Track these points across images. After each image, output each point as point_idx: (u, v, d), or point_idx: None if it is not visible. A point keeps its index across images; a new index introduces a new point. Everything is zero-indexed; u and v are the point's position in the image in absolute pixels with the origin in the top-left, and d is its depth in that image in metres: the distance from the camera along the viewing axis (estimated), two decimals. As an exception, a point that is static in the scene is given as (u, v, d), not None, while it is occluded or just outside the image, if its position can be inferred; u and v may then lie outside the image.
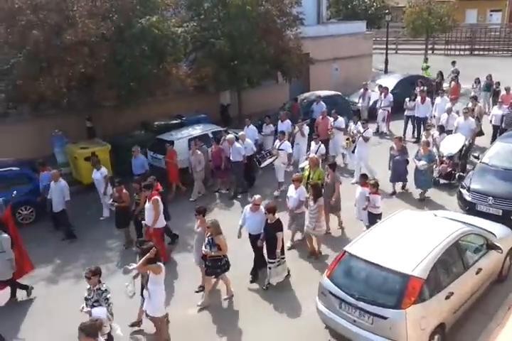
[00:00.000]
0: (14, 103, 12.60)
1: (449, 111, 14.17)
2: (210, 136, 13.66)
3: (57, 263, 10.04)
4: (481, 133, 14.55)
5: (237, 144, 12.36)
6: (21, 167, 11.83)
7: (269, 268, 8.49)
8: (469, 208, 10.31)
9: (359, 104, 17.79)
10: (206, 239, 7.90)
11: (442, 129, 13.26)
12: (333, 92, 18.11)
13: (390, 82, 19.70)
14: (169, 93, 14.53)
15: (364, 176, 10.01)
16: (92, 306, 6.32)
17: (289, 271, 8.79)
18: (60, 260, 10.12)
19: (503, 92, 16.62)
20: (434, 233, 7.32)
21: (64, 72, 11.76)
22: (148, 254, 6.66)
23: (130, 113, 14.65)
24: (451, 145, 12.36)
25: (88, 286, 6.47)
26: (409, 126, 16.33)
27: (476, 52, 31.85)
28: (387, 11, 29.56)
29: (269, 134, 14.38)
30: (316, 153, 11.68)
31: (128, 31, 12.65)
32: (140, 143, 12.78)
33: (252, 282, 8.84)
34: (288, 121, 14.18)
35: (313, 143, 12.47)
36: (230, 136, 12.74)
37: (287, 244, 9.65)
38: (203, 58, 15.79)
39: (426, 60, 23.83)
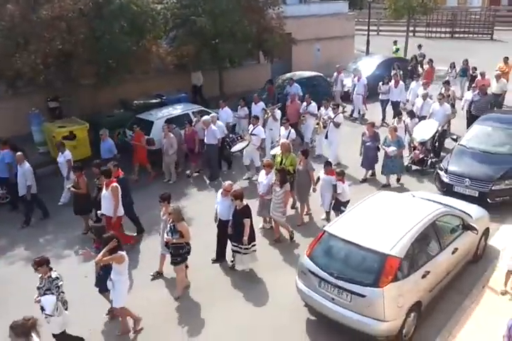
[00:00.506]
0: (-11, 80, 12.26)
1: (424, 96, 13.86)
2: (191, 116, 13.51)
3: (19, 245, 9.80)
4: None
5: (212, 126, 12.09)
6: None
7: (236, 254, 8.40)
8: (447, 189, 10.54)
9: (333, 88, 17.48)
10: (168, 225, 7.72)
11: (413, 114, 13.01)
12: (314, 73, 18.06)
13: (371, 63, 19.78)
14: (149, 71, 14.26)
15: (328, 163, 9.91)
16: (44, 294, 6.22)
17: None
18: (22, 243, 9.86)
19: (479, 78, 16.48)
20: (411, 213, 7.46)
21: (41, 49, 11.44)
22: (109, 245, 6.60)
23: (109, 91, 14.38)
24: (424, 131, 12.15)
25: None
26: (389, 110, 16.11)
27: (456, 35, 31.98)
28: (369, -8, 29.34)
29: (243, 117, 14.07)
30: (287, 139, 11.36)
31: (106, 7, 12.32)
32: (119, 122, 12.64)
33: (214, 262, 8.82)
34: (261, 103, 13.91)
35: (282, 128, 12.19)
36: (206, 117, 12.46)
37: (259, 225, 9.69)
38: (184, 36, 15.51)
39: (395, 43, 23.24)
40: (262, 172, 9.64)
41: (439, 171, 10.98)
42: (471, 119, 13.72)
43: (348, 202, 9.42)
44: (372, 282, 6.48)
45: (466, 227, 7.95)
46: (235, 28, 15.26)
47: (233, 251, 8.46)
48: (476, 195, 10.08)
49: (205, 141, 12.21)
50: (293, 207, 10.66)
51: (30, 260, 8.98)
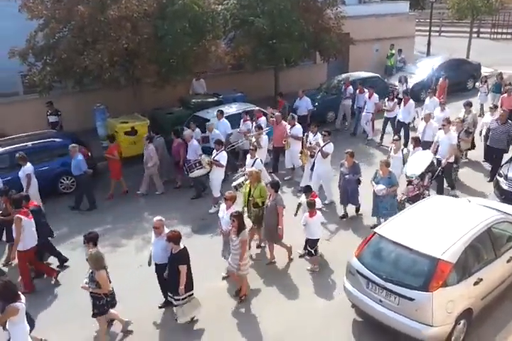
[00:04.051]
0: (59, 76, 12.97)
1: (426, 118, 11.90)
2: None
3: (79, 233, 9.90)
4: (470, 146, 12.48)
5: (194, 142, 11.35)
6: (64, 138, 12.23)
7: (175, 305, 7.32)
8: (505, 197, 10.16)
9: (343, 102, 15.74)
10: (88, 272, 6.87)
11: (417, 142, 10.84)
12: (371, 74, 17.87)
13: (432, 65, 19.29)
14: (208, 71, 14.64)
15: (309, 188, 8.97)
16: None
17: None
18: (82, 231, 9.87)
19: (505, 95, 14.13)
20: (466, 218, 7.32)
21: (107, 47, 12.01)
22: (5, 314, 5.93)
23: (168, 90, 14.89)
24: (416, 164, 10.14)
25: None
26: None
27: (525, 37, 30.58)
28: (432, -9, 28.58)
29: (244, 132, 12.61)
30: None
31: (169, 8, 12.77)
32: (178, 119, 13.02)
33: (161, 307, 7.79)
34: (263, 118, 12.89)
35: (248, 156, 10.72)
36: (187, 132, 11.78)
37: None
38: (242, 36, 15.82)
39: (392, 47, 21.31)
40: (223, 206, 8.34)
41: (498, 177, 10.61)
42: (488, 151, 12.04)
43: (317, 240, 8.53)
44: (422, 286, 6.42)
45: (524, 236, 7.68)
46: (292, 28, 15.36)
47: (170, 302, 7.44)
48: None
49: (187, 156, 11.37)
50: (259, 246, 9.43)
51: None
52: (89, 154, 12.18)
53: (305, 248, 8.72)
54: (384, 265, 6.95)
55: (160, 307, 7.76)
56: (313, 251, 8.58)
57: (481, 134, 12.60)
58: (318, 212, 8.56)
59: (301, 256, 9.02)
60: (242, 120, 13.03)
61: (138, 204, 11.60)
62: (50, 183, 11.37)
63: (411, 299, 6.42)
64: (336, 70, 19.81)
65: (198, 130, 12.41)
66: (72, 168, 10.93)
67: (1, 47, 12.59)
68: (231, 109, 14.06)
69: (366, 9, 22.51)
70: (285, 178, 12.36)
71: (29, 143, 11.59)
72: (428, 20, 25.68)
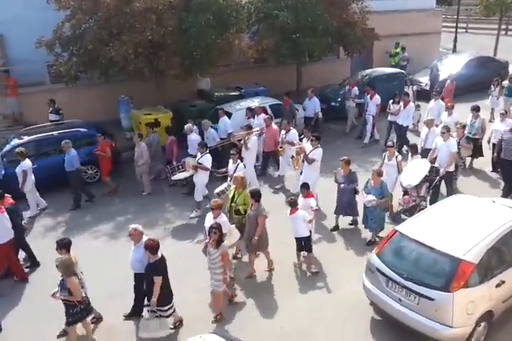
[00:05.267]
0: (84, 67, 13.12)
1: (429, 123, 11.16)
2: (268, 109, 13.74)
3: (102, 222, 10.45)
4: (476, 153, 11.74)
5: (193, 135, 11.27)
6: (89, 128, 12.40)
7: (142, 315, 6.99)
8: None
9: (347, 103, 15.15)
10: (59, 279, 6.59)
11: (415, 150, 10.20)
12: (396, 70, 17.68)
13: (458, 62, 18.98)
14: (231, 64, 14.63)
15: (305, 185, 8.64)
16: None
17: (176, 325, 7.24)
18: (104, 220, 10.52)
19: None
20: (490, 219, 7.20)
21: (132, 39, 12.09)
22: None
23: (190, 82, 14.94)
24: (412, 174, 9.58)
25: None
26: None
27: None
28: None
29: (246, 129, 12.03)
30: (233, 173, 9.50)
31: (194, 0, 12.78)
32: (201, 112, 13.08)
33: (126, 318, 7.46)
34: (263, 115, 12.32)
35: (230, 161, 10.06)
36: (187, 125, 11.66)
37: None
38: (266, 30, 15.73)
39: (397, 45, 20.43)
40: (209, 215, 7.91)
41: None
42: (503, 165, 10.61)
43: (305, 238, 8.37)
44: (443, 286, 6.36)
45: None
46: (317, 22, 15.23)
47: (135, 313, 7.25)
48: None
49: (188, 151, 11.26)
50: (235, 256, 8.88)
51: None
52: (114, 145, 12.32)
53: (297, 249, 8.58)
54: (404, 263, 6.90)
55: (125, 317, 7.45)
56: (306, 250, 8.48)
57: (489, 142, 11.86)
58: (301, 211, 8.23)
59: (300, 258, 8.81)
60: (246, 117, 12.80)
61: (127, 203, 11.33)
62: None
63: (431, 299, 6.37)
64: (360, 65, 19.57)
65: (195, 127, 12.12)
66: (65, 163, 10.75)
67: (28, 38, 12.78)
68: (254, 102, 14.03)
69: (392, 4, 22.09)
70: (276, 187, 11.72)
71: (55, 133, 11.81)
72: (455, 17, 25.18)
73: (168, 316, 6.98)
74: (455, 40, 24.65)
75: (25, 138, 11.64)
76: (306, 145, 10.33)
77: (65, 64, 12.96)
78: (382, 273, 6.95)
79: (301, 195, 8.66)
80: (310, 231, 8.56)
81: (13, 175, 10.31)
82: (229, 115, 13.14)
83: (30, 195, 10.57)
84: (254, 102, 14.09)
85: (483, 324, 6.60)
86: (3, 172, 10.73)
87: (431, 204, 9.40)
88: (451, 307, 6.25)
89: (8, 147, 11.37)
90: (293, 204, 8.25)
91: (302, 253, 8.68)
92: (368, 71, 17.55)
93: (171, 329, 7.14)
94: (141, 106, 14.36)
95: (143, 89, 14.66)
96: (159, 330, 6.84)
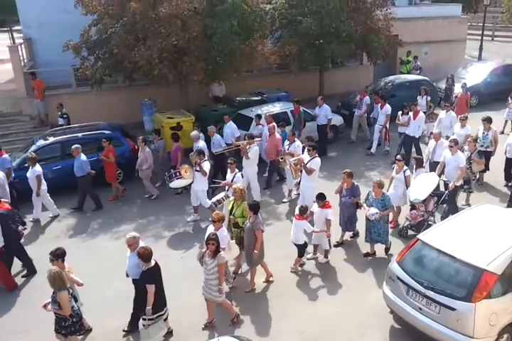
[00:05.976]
0: (110, 71, 13.35)
1: (437, 136, 10.70)
2: (289, 114, 13.75)
3: (124, 223, 10.60)
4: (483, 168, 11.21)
5: (217, 136, 11.38)
6: (113, 130, 12.58)
7: (142, 325, 6.89)
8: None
9: (355, 113, 14.87)
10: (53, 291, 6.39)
11: (420, 163, 9.93)
12: (420, 77, 17.56)
13: (483, 70, 18.75)
14: (253, 70, 14.71)
15: (321, 196, 8.43)
16: None
17: (170, 330, 7.21)
18: (126, 221, 10.66)
19: None
20: (515, 229, 7.07)
21: (157, 44, 12.25)
22: None
23: (209, 88, 15.05)
24: (420, 188, 9.30)
25: None
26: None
27: None
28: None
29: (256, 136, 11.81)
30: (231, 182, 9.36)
31: (219, 6, 12.90)
32: (222, 116, 13.14)
33: (126, 334, 7.28)
34: (273, 124, 11.79)
35: (228, 170, 9.84)
36: (210, 127, 11.71)
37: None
38: (289, 36, 15.78)
39: (408, 53, 20.17)
40: (210, 227, 7.73)
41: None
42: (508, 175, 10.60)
43: (300, 246, 8.41)
44: (465, 296, 6.25)
45: None
46: (341, 29, 15.23)
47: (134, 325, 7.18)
48: None
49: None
50: (236, 271, 8.60)
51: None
52: (136, 147, 12.46)
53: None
54: (425, 272, 6.80)
55: (124, 331, 7.29)
56: (298, 255, 8.53)
57: (505, 153, 11.30)
58: (305, 222, 8.25)
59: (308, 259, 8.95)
60: (254, 124, 12.80)
61: (137, 206, 11.46)
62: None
63: (452, 309, 6.26)
64: (383, 72, 19.51)
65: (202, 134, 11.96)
66: (74, 168, 10.74)
67: (55, 42, 13.08)
68: (275, 108, 14.08)
69: (417, 11, 22.08)
70: (283, 200, 11.35)
71: (79, 134, 12.01)
72: (481, 24, 24.95)
73: (159, 321, 6.92)
74: (480, 48, 24.37)
75: (51, 139, 11.89)
76: (303, 155, 10.18)
77: (90, 67, 13.25)
78: (403, 282, 6.86)
79: (316, 205, 8.55)
80: (305, 242, 8.52)
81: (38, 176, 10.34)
82: (250, 120, 13.18)
83: (37, 199, 10.48)
84: (276, 107, 14.14)
85: (505, 335, 6.45)
86: (13, 175, 10.80)
87: (447, 216, 8.99)
88: (473, 318, 6.13)
89: (33, 147, 11.62)
90: (302, 212, 8.24)
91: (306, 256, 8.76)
92: (391, 78, 17.46)
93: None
94: (163, 109, 14.54)
95: (165, 93, 14.85)
96: (160, 331, 6.94)
